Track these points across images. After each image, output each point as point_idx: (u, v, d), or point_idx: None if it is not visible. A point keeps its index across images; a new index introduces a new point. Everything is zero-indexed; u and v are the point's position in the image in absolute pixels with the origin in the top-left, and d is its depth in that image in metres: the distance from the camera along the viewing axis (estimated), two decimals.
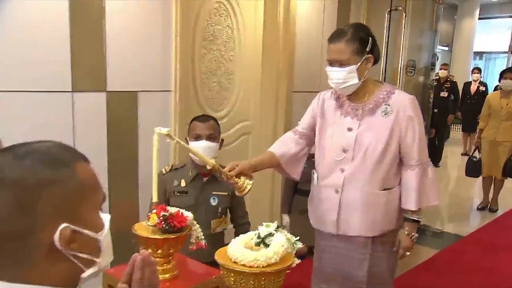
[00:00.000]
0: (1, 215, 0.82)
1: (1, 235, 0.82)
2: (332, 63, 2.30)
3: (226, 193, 2.86)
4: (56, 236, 0.84)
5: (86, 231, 0.89)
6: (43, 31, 2.82)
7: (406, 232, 2.38)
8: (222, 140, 2.93)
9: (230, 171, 2.18)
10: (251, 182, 2.21)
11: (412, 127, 2.29)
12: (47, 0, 2.81)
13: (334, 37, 2.28)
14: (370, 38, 2.28)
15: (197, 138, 2.78)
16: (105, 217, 0.97)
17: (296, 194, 4.32)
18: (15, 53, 2.73)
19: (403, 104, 2.30)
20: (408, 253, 2.43)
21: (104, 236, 0.95)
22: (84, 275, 0.92)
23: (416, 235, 2.40)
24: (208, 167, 2.19)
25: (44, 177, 0.84)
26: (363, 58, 2.25)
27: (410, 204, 2.34)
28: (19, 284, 0.84)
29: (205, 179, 2.84)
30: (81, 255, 0.89)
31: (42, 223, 0.84)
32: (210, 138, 2.77)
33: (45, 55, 2.84)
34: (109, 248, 0.97)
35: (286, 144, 2.49)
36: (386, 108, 2.30)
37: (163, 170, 2.84)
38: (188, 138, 2.82)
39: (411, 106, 2.30)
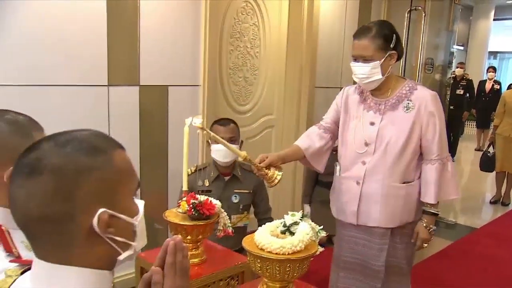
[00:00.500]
0: (43, 201, 0.81)
1: (43, 219, 0.82)
2: (356, 58, 2.25)
3: (247, 191, 2.90)
4: (95, 221, 0.84)
5: (122, 216, 0.89)
6: (83, 29, 2.85)
7: (424, 224, 2.33)
8: (242, 141, 2.96)
9: (260, 163, 2.17)
10: (280, 173, 2.20)
11: (433, 122, 2.25)
12: (87, 1, 2.84)
13: (359, 34, 2.23)
14: (394, 35, 2.23)
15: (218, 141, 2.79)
16: (140, 203, 0.97)
17: (317, 185, 4.30)
18: (58, 50, 2.77)
19: (425, 100, 2.25)
20: (425, 245, 2.39)
21: (139, 221, 0.94)
22: (121, 257, 0.91)
23: (434, 227, 2.35)
24: (240, 159, 2.17)
25: (83, 164, 0.84)
26: (387, 54, 2.21)
27: (429, 197, 2.30)
28: (61, 265, 0.85)
29: (226, 178, 2.88)
30: (118, 238, 0.88)
31: (81, 208, 0.83)
32: (230, 140, 2.77)
33: (84, 51, 2.87)
34: (143, 232, 0.97)
35: (311, 138, 2.47)
36: (408, 103, 2.26)
37: (189, 171, 2.84)
38: (209, 141, 2.85)
39: (433, 102, 2.25)
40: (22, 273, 0.99)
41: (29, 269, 0.95)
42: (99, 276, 0.88)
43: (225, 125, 2.86)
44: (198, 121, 1.99)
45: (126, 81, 3.11)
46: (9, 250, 1.19)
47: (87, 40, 2.87)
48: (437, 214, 2.35)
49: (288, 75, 4.48)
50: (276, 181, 2.18)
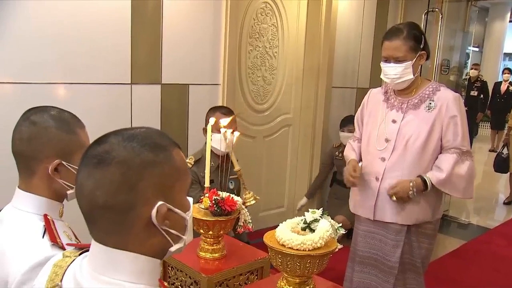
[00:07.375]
0: (109, 190, 0.86)
1: (108, 207, 0.86)
2: (388, 59, 2.27)
3: (237, 176, 2.86)
4: (154, 212, 0.88)
5: (177, 210, 0.93)
6: (109, 30, 2.90)
7: (411, 184, 2.25)
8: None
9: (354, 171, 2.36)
10: (253, 202, 2.15)
11: (454, 123, 2.24)
12: (112, 2, 2.88)
13: (391, 35, 2.25)
14: (422, 35, 2.26)
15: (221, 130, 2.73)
16: (190, 200, 1.01)
17: (334, 183, 4.36)
18: (84, 50, 2.81)
19: (446, 101, 2.25)
20: (394, 198, 2.30)
21: (190, 216, 0.99)
22: (172, 249, 0.96)
23: (415, 191, 2.26)
24: (235, 169, 2.16)
25: (147, 159, 0.88)
26: (418, 54, 2.23)
27: (433, 177, 2.25)
28: (118, 250, 0.89)
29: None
30: (171, 231, 0.93)
31: (142, 199, 0.87)
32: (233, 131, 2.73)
33: (109, 51, 2.91)
34: (191, 227, 1.01)
35: (350, 151, 2.58)
36: (430, 103, 2.27)
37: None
38: (207, 128, 2.74)
39: (455, 103, 2.25)
40: (79, 254, 1.03)
41: (86, 251, 0.99)
42: (152, 263, 0.93)
43: (227, 115, 2.74)
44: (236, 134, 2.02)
45: (148, 80, 3.15)
46: (54, 240, 1.22)
47: (112, 40, 2.91)
48: (427, 189, 2.27)
49: (305, 75, 4.48)
50: (248, 204, 2.14)
